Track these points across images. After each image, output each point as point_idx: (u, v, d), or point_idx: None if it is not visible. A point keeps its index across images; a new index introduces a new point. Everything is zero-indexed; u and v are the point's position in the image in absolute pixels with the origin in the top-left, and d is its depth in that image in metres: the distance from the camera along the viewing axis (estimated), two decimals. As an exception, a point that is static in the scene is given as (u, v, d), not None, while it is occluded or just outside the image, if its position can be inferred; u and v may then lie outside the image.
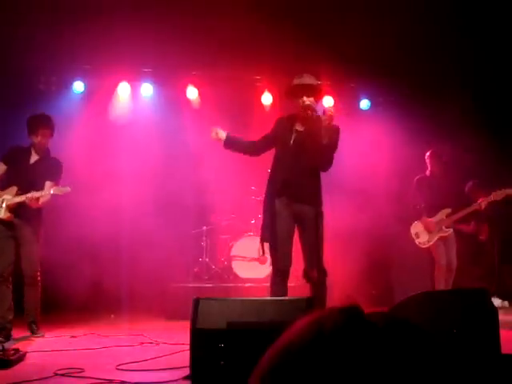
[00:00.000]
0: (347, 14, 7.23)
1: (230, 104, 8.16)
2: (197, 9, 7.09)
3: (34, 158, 5.50)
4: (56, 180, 5.44)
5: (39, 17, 6.82)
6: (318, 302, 4.16)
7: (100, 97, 8.13)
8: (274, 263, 4.51)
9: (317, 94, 4.54)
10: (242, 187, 7.97)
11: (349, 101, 8.81)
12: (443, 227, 6.54)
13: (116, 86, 8.27)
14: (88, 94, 8.18)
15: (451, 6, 6.92)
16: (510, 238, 7.40)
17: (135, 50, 7.36)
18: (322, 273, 4.33)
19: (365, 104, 8.98)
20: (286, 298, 3.89)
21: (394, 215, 7.34)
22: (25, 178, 5.34)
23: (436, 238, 6.54)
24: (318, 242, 4.30)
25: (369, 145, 7.90)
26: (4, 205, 5.25)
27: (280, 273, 4.42)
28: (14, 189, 5.29)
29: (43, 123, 5.47)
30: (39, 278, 5.53)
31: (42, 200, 5.25)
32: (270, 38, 6.98)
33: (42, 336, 5.45)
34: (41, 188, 5.29)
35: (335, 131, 4.39)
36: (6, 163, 5.47)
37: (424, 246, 6.63)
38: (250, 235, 7.61)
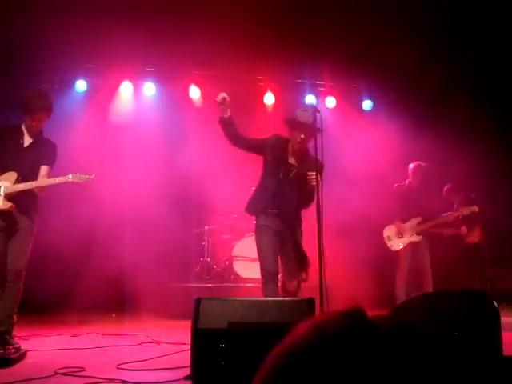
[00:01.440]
0: (350, 14, 7.23)
1: (233, 103, 8.12)
2: (199, 8, 7.09)
3: (27, 140, 4.78)
4: (51, 164, 4.82)
5: (41, 16, 6.82)
6: None
7: (102, 96, 8.14)
8: (261, 269, 4.74)
9: (310, 133, 4.73)
10: (243, 187, 7.97)
11: (351, 101, 8.82)
12: (414, 233, 6.78)
13: (118, 85, 8.28)
14: (90, 92, 8.19)
15: (457, 7, 6.91)
16: (498, 242, 7.45)
17: (138, 50, 7.37)
18: (298, 288, 4.71)
19: (367, 104, 8.98)
20: (287, 298, 3.89)
21: (397, 216, 7.33)
22: (20, 163, 4.65)
23: (407, 243, 6.77)
24: (297, 259, 4.72)
25: (370, 145, 7.89)
26: (2, 193, 4.52)
27: (267, 277, 4.63)
28: (14, 175, 4.58)
29: (42, 106, 4.72)
30: (23, 278, 4.69)
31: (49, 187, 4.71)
32: (273, 38, 6.98)
33: (18, 348, 4.37)
34: (37, 173, 4.70)
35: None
36: None
37: (394, 249, 6.82)
38: (251, 235, 7.60)
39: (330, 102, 8.71)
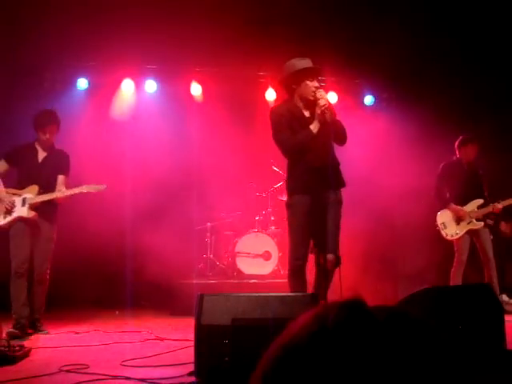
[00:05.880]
0: (351, 10, 7.22)
1: (234, 100, 8.16)
2: (200, 5, 7.08)
3: (41, 154, 5.52)
4: (67, 173, 5.59)
5: (43, 15, 6.83)
6: (320, 287, 4.11)
7: (104, 94, 8.14)
8: (288, 258, 4.36)
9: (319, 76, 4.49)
10: (246, 183, 7.98)
11: (353, 96, 8.80)
12: (474, 220, 6.03)
13: (120, 82, 8.27)
14: (92, 90, 8.19)
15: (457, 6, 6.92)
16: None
17: (139, 47, 7.36)
18: (337, 261, 4.17)
19: (369, 100, 8.97)
20: (291, 293, 3.88)
21: (399, 209, 7.32)
22: (36, 176, 5.38)
23: (465, 231, 6.03)
24: (335, 228, 4.27)
25: (372, 140, 7.88)
26: (27, 204, 5.28)
27: (292, 268, 4.28)
28: (35, 188, 5.34)
29: (51, 120, 5.47)
30: (48, 277, 5.53)
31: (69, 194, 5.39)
32: (274, 33, 6.98)
33: (47, 333, 5.43)
34: (53, 183, 5.46)
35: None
36: (9, 163, 5.48)
37: (451, 239, 6.09)
38: (254, 231, 7.62)
39: (332, 97, 8.70)
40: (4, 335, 4.81)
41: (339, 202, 4.37)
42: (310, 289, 4.32)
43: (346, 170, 4.55)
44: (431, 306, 3.24)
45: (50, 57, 7.56)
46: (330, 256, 4.15)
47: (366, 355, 0.59)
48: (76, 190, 5.36)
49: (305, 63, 4.33)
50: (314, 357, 0.60)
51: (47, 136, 5.48)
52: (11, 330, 5.11)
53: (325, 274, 4.19)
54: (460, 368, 0.62)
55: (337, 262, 4.18)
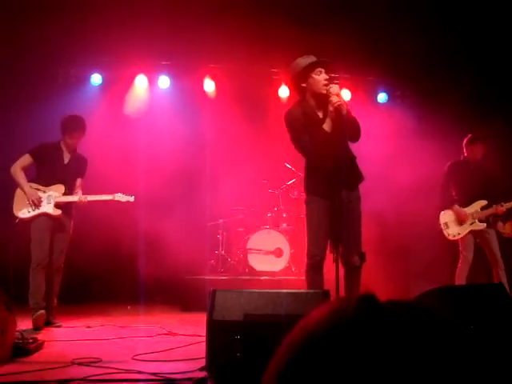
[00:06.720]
0: (365, 8, 7.19)
1: (247, 97, 8.16)
2: (215, 1, 7.08)
3: (66, 156, 5.75)
4: (83, 176, 5.87)
5: (57, 10, 6.86)
6: (351, 286, 4.18)
7: (117, 89, 8.17)
8: (306, 253, 4.34)
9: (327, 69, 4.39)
10: (258, 180, 7.98)
11: (366, 94, 8.77)
12: (476, 221, 6.05)
13: (133, 78, 8.29)
14: (105, 86, 8.22)
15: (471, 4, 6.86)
16: None
17: (153, 43, 7.38)
18: (362, 257, 4.24)
19: (382, 97, 8.94)
20: (303, 290, 3.87)
21: (411, 206, 7.28)
22: (62, 177, 5.63)
23: (467, 231, 6.07)
24: (357, 226, 4.29)
25: (385, 138, 7.85)
26: (52, 201, 5.53)
27: (310, 263, 4.26)
28: (62, 187, 5.61)
29: (80, 127, 5.75)
30: (63, 267, 5.74)
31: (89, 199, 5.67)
32: (288, 30, 6.96)
33: (60, 326, 5.50)
34: (74, 185, 5.75)
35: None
36: (34, 158, 5.62)
37: (453, 239, 6.15)
38: (266, 228, 7.62)
39: (345, 94, 8.67)
40: (35, 324, 5.18)
41: (357, 199, 4.38)
42: (328, 286, 4.31)
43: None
44: (443, 306, 3.22)
45: (64, 52, 7.60)
46: (353, 257, 4.22)
47: (389, 349, 0.59)
48: (103, 197, 5.72)
49: (309, 59, 4.27)
50: (333, 352, 0.60)
51: (74, 141, 5.74)
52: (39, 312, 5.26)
53: (351, 273, 4.26)
54: (478, 360, 0.62)
55: (362, 258, 4.24)
